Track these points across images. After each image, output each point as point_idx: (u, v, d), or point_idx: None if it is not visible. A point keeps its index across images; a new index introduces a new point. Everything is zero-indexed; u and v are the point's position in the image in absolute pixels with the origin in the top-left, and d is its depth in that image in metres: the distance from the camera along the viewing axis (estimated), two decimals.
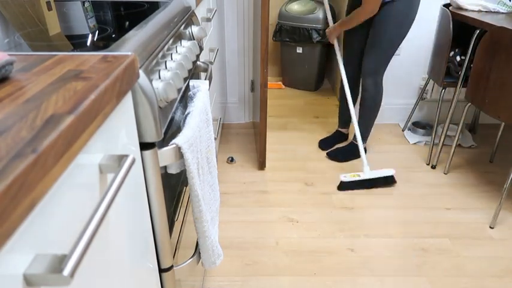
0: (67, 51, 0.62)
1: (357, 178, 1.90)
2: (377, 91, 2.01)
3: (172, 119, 0.83)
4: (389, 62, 1.94)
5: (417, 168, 2.07)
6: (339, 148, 2.22)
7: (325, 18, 2.80)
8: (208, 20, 1.54)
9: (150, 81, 0.63)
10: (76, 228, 0.41)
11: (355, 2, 1.84)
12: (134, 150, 0.61)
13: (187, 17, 1.02)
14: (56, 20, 0.86)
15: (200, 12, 1.40)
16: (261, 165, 2.05)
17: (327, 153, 2.20)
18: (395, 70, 2.42)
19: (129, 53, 0.57)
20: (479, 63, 1.72)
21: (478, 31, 1.79)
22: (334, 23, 2.01)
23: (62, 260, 0.34)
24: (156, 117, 0.63)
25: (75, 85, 0.45)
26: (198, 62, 1.13)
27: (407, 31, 1.86)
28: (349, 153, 2.17)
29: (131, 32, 0.71)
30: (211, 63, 1.43)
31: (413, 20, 1.84)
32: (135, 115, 0.61)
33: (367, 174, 1.91)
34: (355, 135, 2.13)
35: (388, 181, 1.93)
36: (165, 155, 0.70)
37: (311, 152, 2.23)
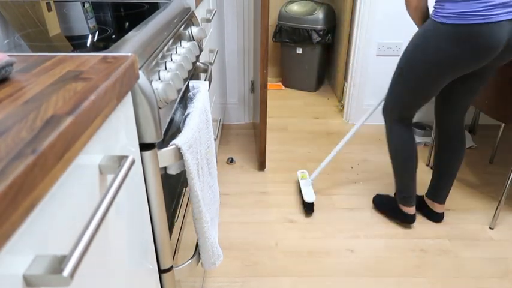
0: (67, 52, 0.62)
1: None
2: (388, 134, 1.54)
3: (172, 119, 0.83)
4: (402, 100, 1.43)
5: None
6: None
7: (325, 19, 2.81)
8: (208, 20, 1.55)
9: (150, 82, 0.63)
10: (76, 229, 0.41)
11: None
12: (134, 151, 0.61)
13: (187, 17, 1.02)
14: (55, 20, 0.86)
15: (200, 13, 1.40)
16: (261, 166, 2.05)
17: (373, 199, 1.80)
18: None
19: (129, 54, 0.57)
20: None
21: None
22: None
23: (61, 260, 0.34)
24: (156, 118, 0.63)
25: (75, 86, 0.45)
26: (197, 63, 1.13)
27: (426, 65, 1.29)
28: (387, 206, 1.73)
29: (131, 33, 0.71)
30: (211, 64, 1.43)
31: (446, 54, 1.24)
32: (135, 116, 0.62)
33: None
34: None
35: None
36: (165, 156, 0.70)
37: (311, 153, 2.23)
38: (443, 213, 1.69)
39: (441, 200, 1.66)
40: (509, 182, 1.59)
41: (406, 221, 1.65)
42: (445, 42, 1.21)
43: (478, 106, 1.75)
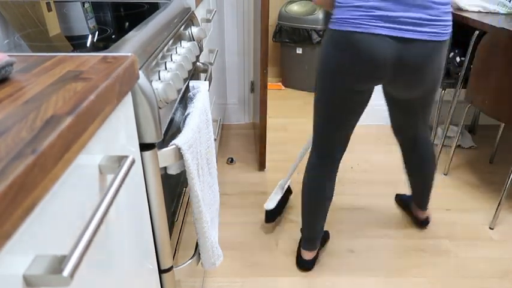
0: (67, 52, 0.62)
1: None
2: (306, 170, 1.37)
3: (172, 119, 0.83)
4: (321, 131, 1.28)
5: None
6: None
7: (325, 18, 2.81)
8: (208, 21, 1.55)
9: (150, 82, 0.63)
10: (76, 229, 0.41)
11: None
12: (134, 151, 0.61)
13: (187, 17, 1.02)
14: (55, 20, 0.86)
15: (200, 13, 1.40)
16: (261, 166, 2.05)
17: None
18: None
19: (129, 54, 0.57)
20: (479, 64, 1.72)
21: (477, 32, 1.79)
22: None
23: (61, 260, 0.34)
24: (156, 118, 0.63)
25: (75, 86, 0.45)
26: (197, 63, 1.13)
27: (327, 76, 1.16)
28: None
29: (131, 33, 0.71)
30: (211, 64, 1.43)
31: (337, 70, 1.13)
32: (135, 116, 0.61)
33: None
34: None
35: None
36: (165, 156, 0.70)
37: None
38: (426, 218, 1.64)
39: (421, 207, 1.62)
40: (509, 182, 1.59)
41: (300, 266, 1.45)
42: (334, 48, 1.12)
43: (478, 106, 1.75)
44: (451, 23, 1.08)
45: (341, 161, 1.34)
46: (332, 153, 1.32)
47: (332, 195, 1.38)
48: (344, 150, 1.33)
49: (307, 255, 1.44)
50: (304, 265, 1.45)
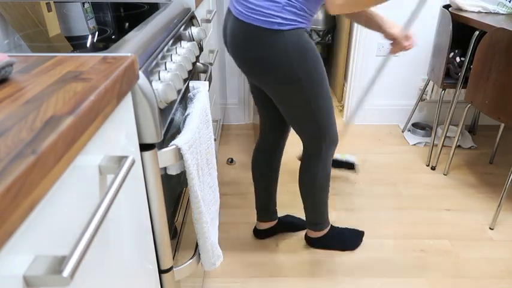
0: (67, 52, 0.62)
1: None
2: (324, 166, 1.35)
3: (172, 120, 0.83)
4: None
5: (417, 169, 2.07)
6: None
7: (325, 19, 2.80)
8: (208, 21, 1.55)
9: (150, 82, 0.63)
10: (76, 229, 0.41)
11: None
12: (134, 151, 0.61)
13: (187, 18, 1.02)
14: (55, 21, 0.86)
15: (200, 14, 1.40)
16: None
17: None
18: (395, 71, 2.43)
19: (129, 54, 0.57)
20: (479, 64, 1.72)
21: (477, 32, 1.79)
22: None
23: (61, 261, 0.34)
24: (156, 119, 0.63)
25: (75, 86, 0.45)
26: (197, 63, 1.13)
27: None
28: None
29: (131, 33, 0.71)
30: (211, 64, 1.43)
31: None
32: (134, 116, 0.62)
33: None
34: None
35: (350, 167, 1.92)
36: (165, 156, 0.70)
37: None
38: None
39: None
40: (509, 182, 1.59)
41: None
42: None
43: (478, 106, 1.75)
44: (262, 10, 0.98)
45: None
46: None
47: None
48: None
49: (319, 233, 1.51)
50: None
